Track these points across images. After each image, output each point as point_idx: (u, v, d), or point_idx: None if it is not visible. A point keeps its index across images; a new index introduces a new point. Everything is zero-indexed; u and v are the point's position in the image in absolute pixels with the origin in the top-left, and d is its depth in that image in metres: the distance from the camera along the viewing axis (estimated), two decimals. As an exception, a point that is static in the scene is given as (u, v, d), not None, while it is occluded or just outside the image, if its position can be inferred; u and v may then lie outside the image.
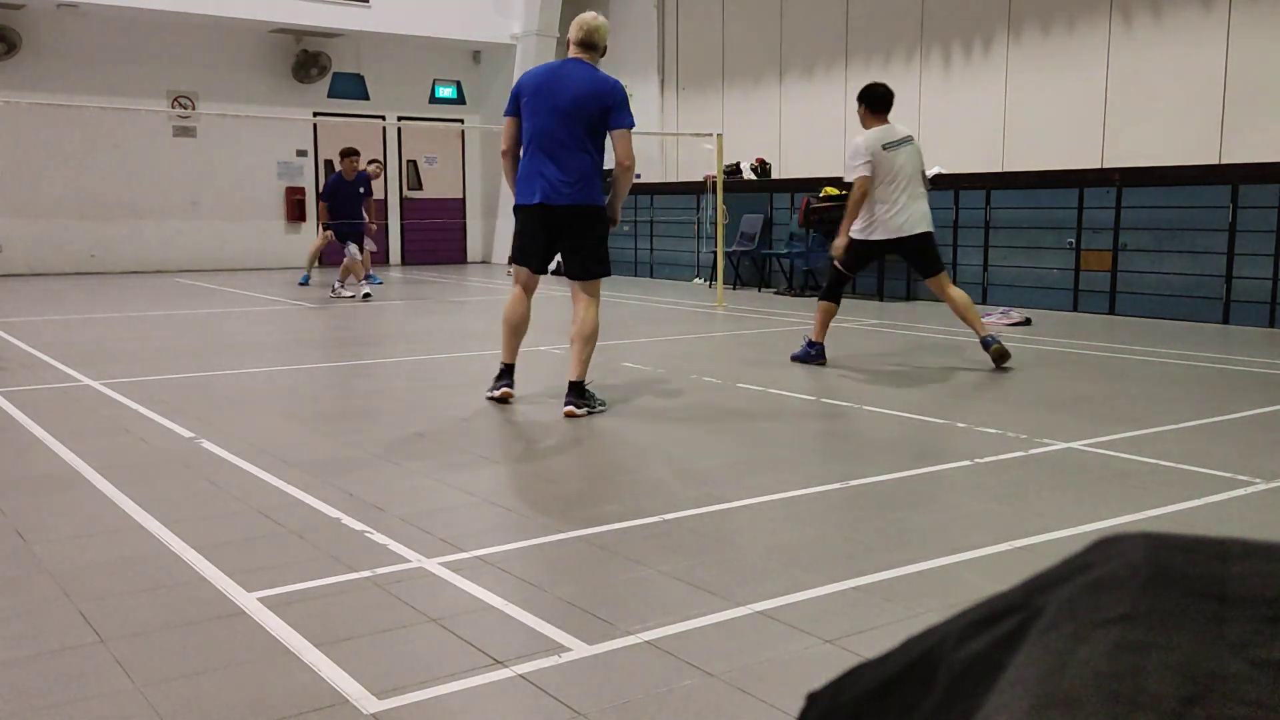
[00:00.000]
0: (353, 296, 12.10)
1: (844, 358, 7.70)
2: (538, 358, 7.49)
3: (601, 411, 5.59)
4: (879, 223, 7.10)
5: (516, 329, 5.89)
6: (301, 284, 13.80)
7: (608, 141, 5.65)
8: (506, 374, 5.90)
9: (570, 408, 5.49)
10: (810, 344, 7.32)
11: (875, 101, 7.22)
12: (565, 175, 5.54)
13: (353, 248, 12.30)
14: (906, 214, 7.07)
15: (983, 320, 7.50)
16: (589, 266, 5.69)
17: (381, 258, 18.40)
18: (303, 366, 7.52)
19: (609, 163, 5.80)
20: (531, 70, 5.81)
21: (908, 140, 7.18)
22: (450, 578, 3.15)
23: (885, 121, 7.20)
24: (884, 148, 7.07)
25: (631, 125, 5.63)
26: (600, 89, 5.58)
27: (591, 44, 5.70)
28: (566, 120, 5.52)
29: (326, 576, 3.16)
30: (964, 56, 12.38)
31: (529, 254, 5.79)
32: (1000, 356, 6.96)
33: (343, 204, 12.33)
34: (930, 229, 7.19)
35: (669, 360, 7.49)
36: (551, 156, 5.56)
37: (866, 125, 7.23)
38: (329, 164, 12.71)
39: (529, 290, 5.88)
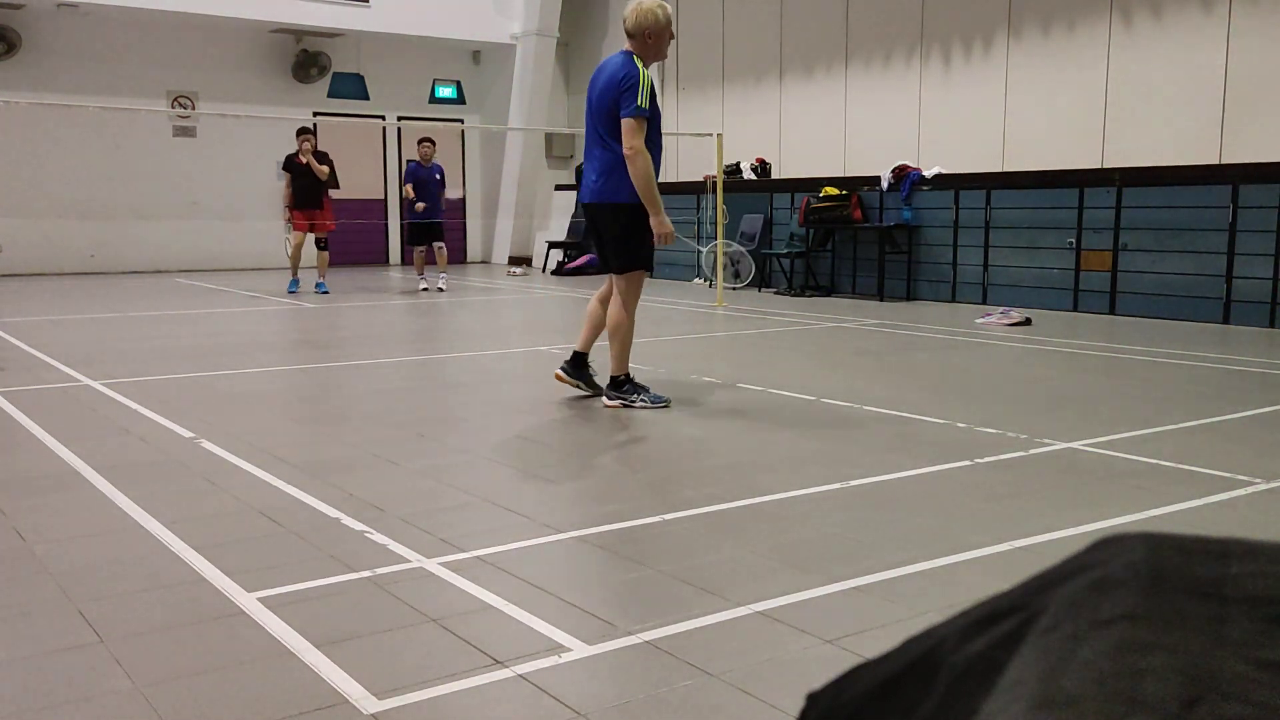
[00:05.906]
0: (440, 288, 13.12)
1: (844, 357, 7.70)
2: (537, 357, 7.49)
3: (660, 407, 5.68)
4: None
5: (587, 317, 6.07)
6: (291, 291, 12.84)
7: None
8: (571, 359, 6.09)
9: (604, 399, 5.80)
10: None
11: None
12: (590, 172, 5.72)
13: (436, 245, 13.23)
14: None
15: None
16: (610, 261, 5.79)
17: (381, 257, 18.39)
18: (303, 366, 7.52)
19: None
20: None
21: None
22: (450, 578, 3.15)
23: None
24: None
25: (635, 113, 5.34)
26: (613, 79, 5.46)
27: (628, 32, 5.60)
28: (593, 116, 5.63)
29: (326, 576, 3.16)
30: (964, 56, 12.37)
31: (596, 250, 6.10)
32: None
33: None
34: None
35: (669, 360, 7.48)
36: (587, 154, 5.78)
37: None
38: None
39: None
